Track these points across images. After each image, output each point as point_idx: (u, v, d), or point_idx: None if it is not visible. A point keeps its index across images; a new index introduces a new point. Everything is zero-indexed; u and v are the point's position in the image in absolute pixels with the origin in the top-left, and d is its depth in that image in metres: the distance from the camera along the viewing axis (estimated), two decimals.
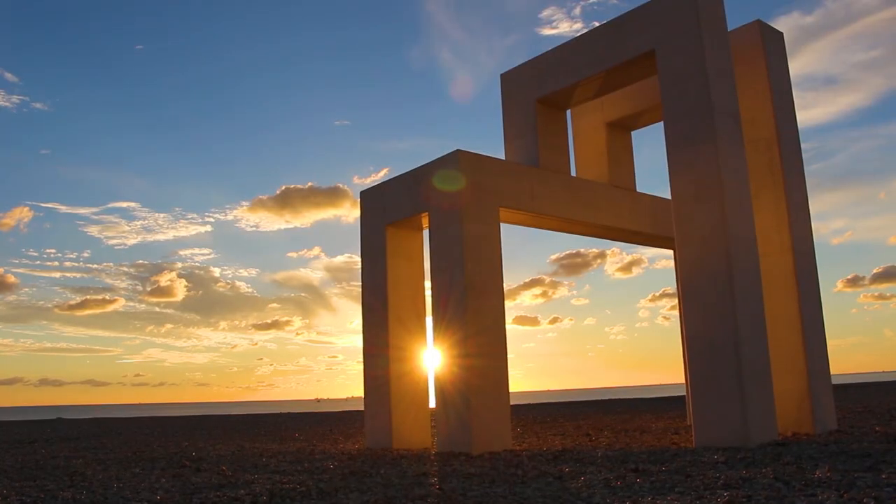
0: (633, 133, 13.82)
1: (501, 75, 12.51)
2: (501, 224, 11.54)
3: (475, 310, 10.06)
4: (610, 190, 12.52)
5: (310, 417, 31.96)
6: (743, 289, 8.93)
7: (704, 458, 7.41)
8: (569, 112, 13.45)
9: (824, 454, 7.00)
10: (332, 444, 13.42)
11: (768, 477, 5.54)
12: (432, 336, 10.66)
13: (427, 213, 11.02)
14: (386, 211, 11.92)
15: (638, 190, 13.30)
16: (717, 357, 8.80)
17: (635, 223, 12.74)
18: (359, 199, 12.58)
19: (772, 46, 10.89)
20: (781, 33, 11.21)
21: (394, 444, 11.31)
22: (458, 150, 10.48)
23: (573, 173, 12.80)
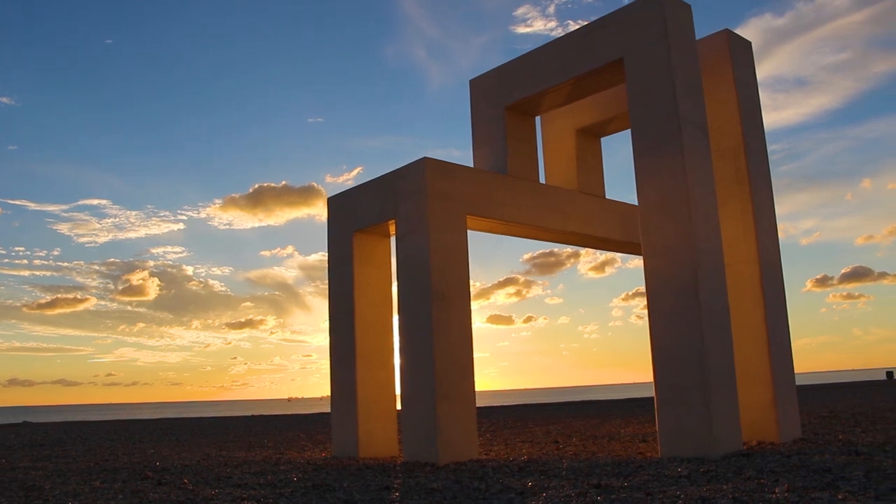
0: (605, 139, 13.81)
1: (470, 81, 12.45)
2: (470, 231, 11.52)
3: (441, 319, 9.99)
4: (579, 197, 12.51)
5: (281, 420, 31.73)
6: (709, 299, 8.93)
7: (668, 470, 7.40)
8: (538, 118, 13.43)
9: (786, 467, 7.01)
10: (299, 451, 13.29)
11: (727, 497, 5.51)
12: (398, 344, 10.59)
13: (394, 220, 10.94)
14: (354, 217, 11.82)
15: (608, 196, 13.29)
16: (683, 368, 8.80)
17: (605, 230, 12.73)
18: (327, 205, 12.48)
19: (739, 55, 10.91)
20: (749, 42, 11.24)
21: (360, 452, 11.22)
22: (424, 158, 10.40)
23: (542, 180, 12.76)
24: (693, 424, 8.63)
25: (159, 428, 27.49)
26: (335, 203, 12.27)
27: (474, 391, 10.31)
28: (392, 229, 11.50)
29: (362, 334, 11.58)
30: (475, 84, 12.36)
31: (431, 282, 10.01)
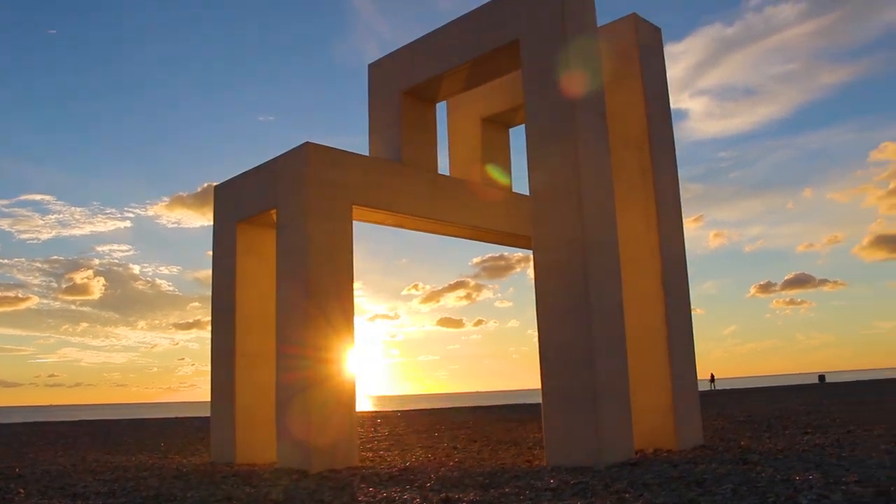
0: (519, 132, 13.11)
1: (369, 65, 11.69)
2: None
3: (318, 315, 9.23)
4: (482, 189, 11.80)
5: (201, 422, 30.56)
6: (599, 295, 8.29)
7: (539, 482, 6.76)
8: (445, 106, 12.76)
9: (662, 480, 6.41)
10: (185, 456, 12.43)
11: None
12: (276, 342, 9.79)
13: (276, 210, 10.15)
14: (238, 207, 11.00)
15: (519, 190, 12.58)
16: (570, 369, 8.15)
17: (510, 225, 12.00)
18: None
19: (647, 42, 10.31)
20: (659, 29, 10.66)
21: (237, 458, 10.40)
22: (307, 143, 9.64)
23: (447, 171, 12.08)
24: (580, 431, 7.99)
25: (70, 431, 26.20)
26: (220, 192, 11.43)
27: (354, 395, 9.57)
28: (276, 219, 10.70)
29: (243, 332, 10.76)
30: (373, 68, 11.60)
31: (310, 275, 9.24)
